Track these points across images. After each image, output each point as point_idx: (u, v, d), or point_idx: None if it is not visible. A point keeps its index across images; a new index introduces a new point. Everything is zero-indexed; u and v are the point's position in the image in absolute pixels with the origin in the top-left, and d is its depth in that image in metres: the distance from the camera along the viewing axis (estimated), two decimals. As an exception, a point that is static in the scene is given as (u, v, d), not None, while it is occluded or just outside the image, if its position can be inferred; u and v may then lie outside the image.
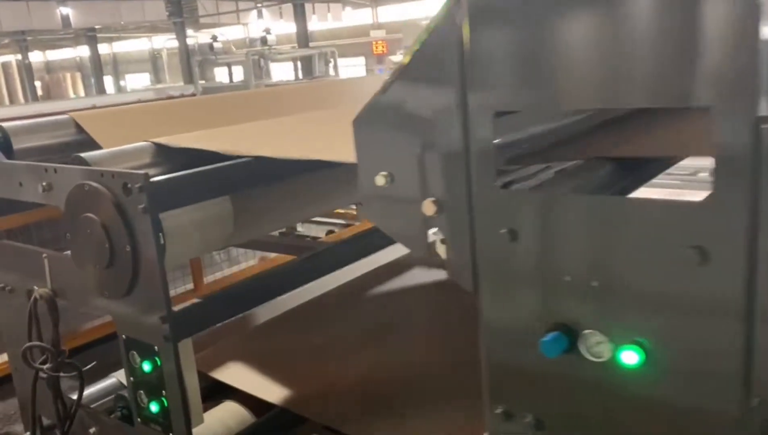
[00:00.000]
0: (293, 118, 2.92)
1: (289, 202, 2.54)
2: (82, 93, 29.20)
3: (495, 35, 1.25)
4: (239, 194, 2.28)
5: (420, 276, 3.34)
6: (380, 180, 1.46)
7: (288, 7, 24.18)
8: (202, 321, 2.15)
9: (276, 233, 4.04)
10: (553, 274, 1.29)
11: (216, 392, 2.42)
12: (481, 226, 1.37)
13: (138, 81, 33.68)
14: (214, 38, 17.11)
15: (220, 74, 19.59)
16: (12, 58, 30.92)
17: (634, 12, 1.11)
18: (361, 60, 26.41)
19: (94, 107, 6.54)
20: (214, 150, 2.11)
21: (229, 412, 2.37)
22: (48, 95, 27.85)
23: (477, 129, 1.31)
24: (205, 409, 2.22)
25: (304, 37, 22.68)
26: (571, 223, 1.25)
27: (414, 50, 1.37)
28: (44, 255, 2.28)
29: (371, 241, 2.80)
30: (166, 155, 2.27)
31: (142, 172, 1.85)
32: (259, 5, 25.71)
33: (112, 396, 2.50)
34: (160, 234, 1.89)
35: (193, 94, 10.84)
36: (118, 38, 34.39)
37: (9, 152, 2.49)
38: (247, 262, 4.53)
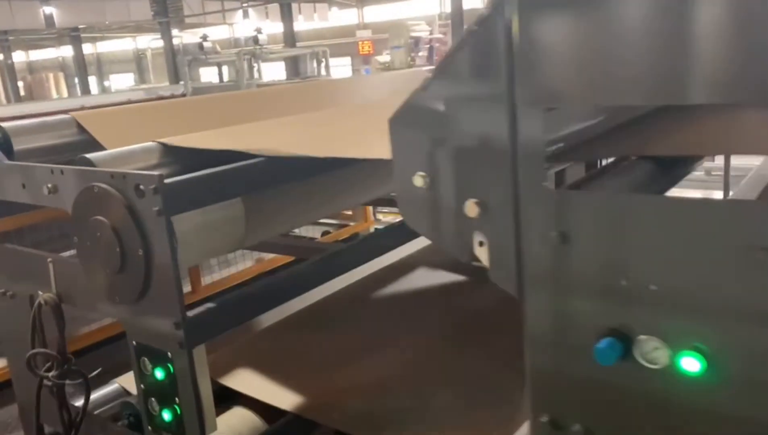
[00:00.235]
0: (300, 117, 2.87)
1: (301, 204, 2.49)
2: (65, 93, 28.92)
3: (547, 26, 1.20)
4: (251, 196, 2.22)
5: (426, 276, 3.29)
6: (418, 180, 1.41)
7: (274, 8, 24.11)
8: (216, 326, 2.10)
9: (275, 234, 3.97)
10: (608, 278, 1.23)
11: (222, 398, 2.35)
12: (528, 229, 1.31)
13: (122, 81, 33.44)
14: (204, 38, 16.97)
15: (206, 74, 19.45)
16: (-6, 59, 30.61)
17: None
18: (347, 60, 26.37)
19: (83, 108, 6.43)
20: (240, 149, 2.04)
21: (239, 418, 2.31)
22: (30, 96, 27.50)
23: (525, 125, 1.25)
24: (214, 416, 2.15)
25: (291, 37, 22.62)
26: (630, 225, 1.20)
27: (456, 46, 1.31)
28: (49, 259, 2.21)
29: (382, 242, 2.75)
30: (173, 156, 2.20)
31: (156, 173, 1.78)
32: (245, 5, 25.58)
33: (115, 403, 2.44)
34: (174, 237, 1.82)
35: (183, 94, 10.72)
36: (102, 38, 34.13)
37: (9, 153, 2.41)
38: (245, 263, 4.46)
